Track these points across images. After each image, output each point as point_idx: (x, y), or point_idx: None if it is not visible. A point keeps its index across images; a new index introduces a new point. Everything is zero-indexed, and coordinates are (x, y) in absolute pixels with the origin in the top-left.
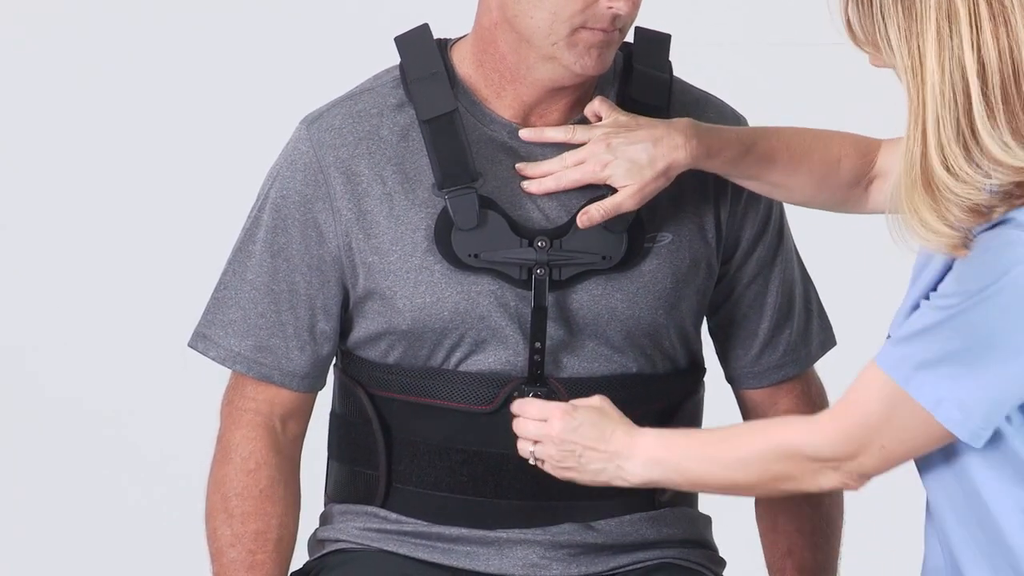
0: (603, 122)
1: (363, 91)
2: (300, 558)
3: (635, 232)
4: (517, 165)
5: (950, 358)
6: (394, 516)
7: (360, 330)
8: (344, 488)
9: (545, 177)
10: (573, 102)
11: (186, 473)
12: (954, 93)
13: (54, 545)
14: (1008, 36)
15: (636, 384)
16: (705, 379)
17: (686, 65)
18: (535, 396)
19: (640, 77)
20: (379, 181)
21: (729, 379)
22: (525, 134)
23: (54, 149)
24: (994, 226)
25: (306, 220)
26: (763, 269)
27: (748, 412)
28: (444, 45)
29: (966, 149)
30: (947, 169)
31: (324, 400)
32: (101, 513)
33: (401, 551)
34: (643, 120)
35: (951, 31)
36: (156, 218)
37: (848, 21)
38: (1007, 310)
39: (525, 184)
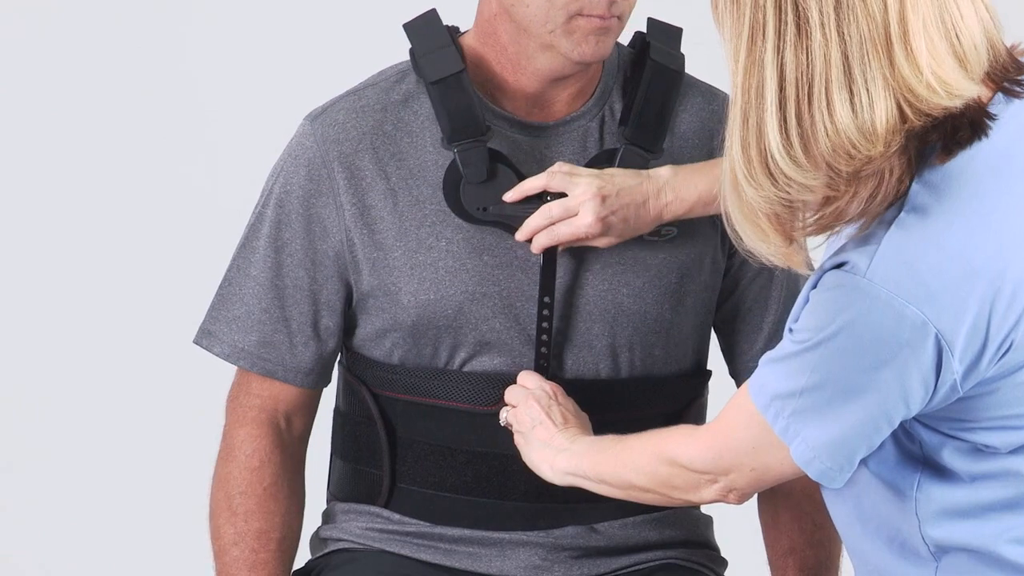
0: (581, 171)
1: (367, 86)
2: (302, 556)
3: None
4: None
5: (800, 394)
6: (396, 517)
7: (364, 327)
8: (347, 486)
9: (536, 235)
10: (575, 93)
11: (189, 470)
12: (757, 98)
13: (56, 542)
14: (808, 54)
15: (641, 386)
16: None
17: (694, 63)
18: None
19: (651, 68)
20: (383, 176)
21: (733, 374)
22: (508, 196)
23: (57, 147)
24: (838, 266)
25: (310, 215)
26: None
27: None
28: (453, 31)
29: (762, 155)
30: (745, 172)
31: (327, 398)
32: (104, 510)
33: (403, 552)
34: (621, 173)
35: (763, 37)
36: (161, 217)
37: (713, 3)
38: (844, 353)
39: (532, 247)
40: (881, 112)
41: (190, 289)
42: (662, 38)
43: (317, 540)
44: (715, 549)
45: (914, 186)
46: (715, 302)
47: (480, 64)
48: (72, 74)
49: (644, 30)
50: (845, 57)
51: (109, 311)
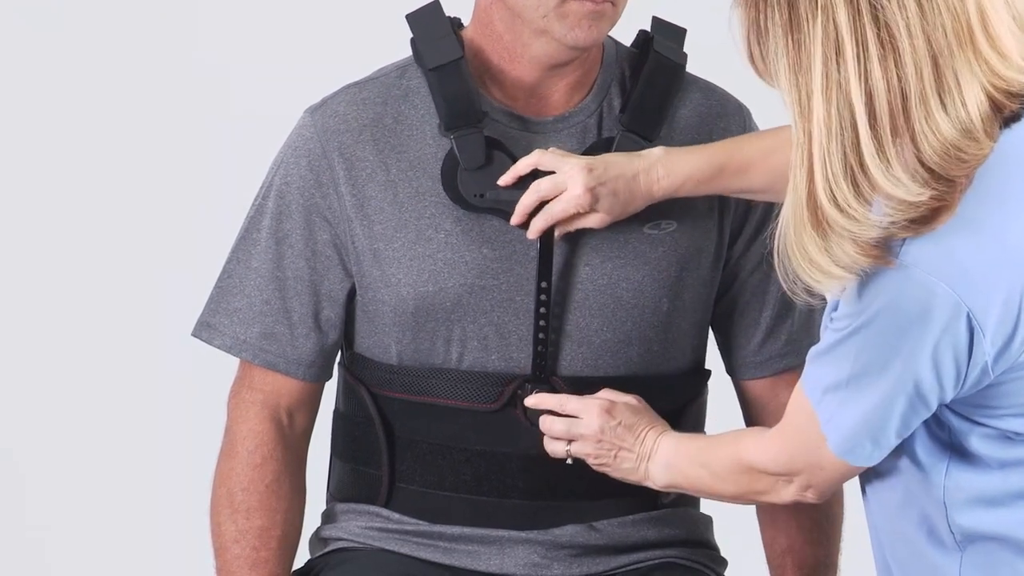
0: (573, 155)
1: (367, 80)
2: (301, 556)
3: None
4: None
5: (844, 383)
6: (396, 516)
7: (364, 320)
8: (347, 487)
9: (533, 220)
10: (573, 84)
11: (189, 467)
12: (841, 128)
13: (56, 541)
14: (897, 66)
15: (640, 384)
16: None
17: (700, 63)
18: (539, 393)
19: (654, 60)
20: (383, 168)
21: (730, 370)
22: (502, 180)
23: (54, 146)
24: None
25: (310, 206)
26: (766, 257)
27: (749, 404)
28: (455, 23)
29: (855, 184)
30: (836, 206)
31: (328, 398)
32: (104, 507)
33: (403, 551)
34: (612, 154)
35: (838, 63)
36: (157, 212)
37: (751, 55)
38: (882, 334)
39: (529, 232)
40: (974, 107)
41: (185, 286)
42: (666, 35)
43: (317, 540)
44: (714, 548)
45: None
46: (713, 299)
47: (478, 55)
48: (70, 73)
49: (648, 29)
50: (934, 60)
51: (106, 308)
